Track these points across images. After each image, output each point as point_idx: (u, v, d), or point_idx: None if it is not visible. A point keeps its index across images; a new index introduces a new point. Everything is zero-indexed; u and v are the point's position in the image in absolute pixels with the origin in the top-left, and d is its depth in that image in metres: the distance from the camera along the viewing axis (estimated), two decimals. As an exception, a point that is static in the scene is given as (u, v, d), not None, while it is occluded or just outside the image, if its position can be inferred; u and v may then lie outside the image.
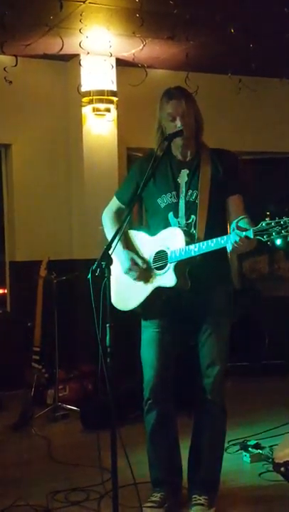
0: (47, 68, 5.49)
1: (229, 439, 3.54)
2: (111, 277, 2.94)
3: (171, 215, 2.91)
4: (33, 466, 3.69)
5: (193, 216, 2.87)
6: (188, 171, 2.93)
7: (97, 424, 4.08)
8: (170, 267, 2.82)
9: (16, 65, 5.01)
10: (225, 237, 2.66)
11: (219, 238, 2.67)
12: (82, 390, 4.86)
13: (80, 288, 5.18)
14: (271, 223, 2.46)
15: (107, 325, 2.47)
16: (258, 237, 2.52)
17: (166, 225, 2.92)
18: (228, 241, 2.64)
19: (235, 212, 2.87)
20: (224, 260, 2.95)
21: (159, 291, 2.88)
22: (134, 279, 2.95)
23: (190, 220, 2.87)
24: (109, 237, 2.99)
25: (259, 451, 3.63)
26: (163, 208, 2.93)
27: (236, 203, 2.91)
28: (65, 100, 5.56)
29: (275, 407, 4.59)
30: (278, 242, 2.43)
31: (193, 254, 2.74)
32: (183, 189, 2.91)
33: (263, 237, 2.50)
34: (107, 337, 2.46)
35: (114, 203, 3.13)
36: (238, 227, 2.59)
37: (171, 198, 2.91)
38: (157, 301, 2.91)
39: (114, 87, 5.33)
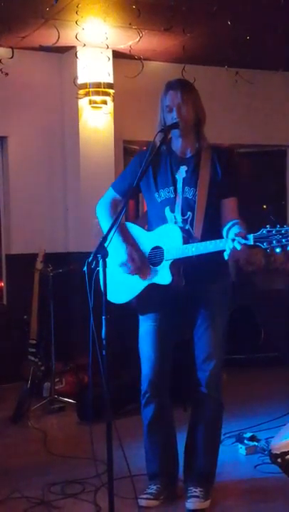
0: (43, 60, 5.47)
1: (225, 432, 3.54)
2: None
3: (167, 209, 2.91)
4: (29, 459, 3.69)
5: (189, 213, 2.87)
6: (186, 168, 2.92)
7: (94, 417, 4.12)
8: (166, 264, 2.82)
9: (12, 57, 4.99)
10: (224, 240, 2.64)
11: (218, 241, 2.65)
12: (78, 383, 4.87)
13: (76, 281, 5.18)
14: (272, 231, 2.44)
15: (103, 317, 2.48)
16: (257, 243, 2.50)
17: (163, 219, 2.92)
18: (226, 245, 2.61)
19: (229, 216, 2.85)
20: (221, 254, 2.93)
21: (153, 286, 2.88)
22: (128, 273, 2.95)
23: (186, 216, 2.87)
24: (104, 228, 2.99)
25: (255, 443, 3.64)
26: (160, 202, 2.94)
27: (230, 206, 2.89)
28: (61, 92, 5.54)
29: (270, 400, 4.61)
30: (278, 250, 2.41)
31: (190, 254, 2.73)
32: (180, 185, 2.90)
33: (262, 244, 2.48)
34: (103, 329, 2.47)
35: (110, 194, 3.12)
36: (240, 234, 2.57)
37: (168, 193, 2.92)
38: (152, 296, 2.92)
39: (110, 80, 5.31)
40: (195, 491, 2.97)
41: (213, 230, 2.80)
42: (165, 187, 2.92)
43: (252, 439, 3.68)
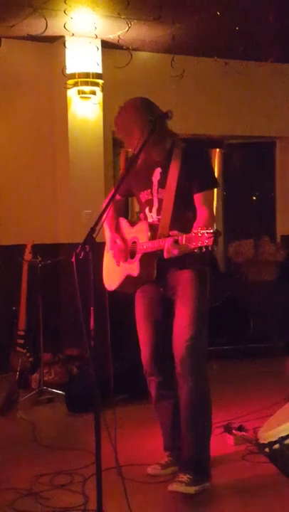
0: (31, 50, 5.43)
1: (213, 422, 3.55)
2: (106, 257, 3.26)
3: (147, 209, 3.13)
4: (18, 450, 3.69)
5: (162, 212, 3.05)
6: (160, 170, 3.08)
7: (82, 408, 4.12)
8: (137, 257, 3.02)
9: (-1, 47, 4.95)
10: (165, 239, 2.82)
11: (161, 240, 2.86)
12: (67, 374, 4.87)
13: (65, 272, 5.17)
14: (198, 233, 2.59)
15: (91, 308, 2.48)
16: (187, 243, 2.64)
17: (145, 217, 3.16)
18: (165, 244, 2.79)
19: (198, 209, 3.00)
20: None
21: (129, 277, 3.08)
22: (115, 260, 3.16)
23: (160, 216, 3.05)
24: (104, 226, 3.20)
25: (243, 433, 3.66)
26: (143, 202, 3.16)
27: (200, 200, 3.01)
28: (49, 82, 5.50)
29: (259, 390, 4.63)
30: (203, 249, 2.61)
31: (149, 250, 2.95)
32: (155, 187, 3.09)
33: (191, 244, 2.62)
34: (92, 320, 2.48)
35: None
36: (176, 233, 2.73)
37: (147, 195, 3.13)
38: (130, 286, 3.13)
39: (99, 70, 5.28)
40: (182, 477, 3.00)
41: (184, 228, 2.84)
42: (145, 189, 3.13)
43: (240, 429, 3.70)
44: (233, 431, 3.68)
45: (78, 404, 4.24)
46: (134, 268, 3.03)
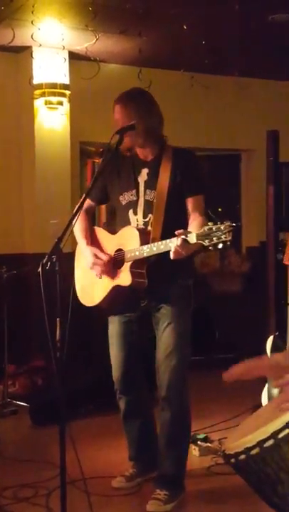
0: (-2, 59, 5.41)
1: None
2: (79, 273, 3.14)
3: (131, 212, 2.99)
4: (-19, 463, 3.63)
5: (150, 215, 2.93)
6: (148, 171, 2.99)
7: (47, 420, 4.08)
8: (126, 266, 2.88)
9: None
10: (174, 239, 2.63)
11: (168, 241, 2.67)
12: (32, 386, 4.82)
13: (31, 282, 5.13)
14: (212, 228, 2.46)
15: (57, 319, 2.46)
16: (199, 240, 2.51)
17: (126, 221, 3.00)
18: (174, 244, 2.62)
19: (191, 214, 2.91)
20: None
21: (117, 288, 2.94)
22: (97, 276, 3.02)
23: (147, 218, 2.95)
24: (77, 235, 3.10)
25: (208, 444, 3.67)
26: (124, 205, 3.02)
27: (192, 204, 2.94)
28: (16, 92, 5.47)
29: (224, 401, 4.65)
30: (220, 246, 2.41)
31: (145, 255, 2.80)
32: (142, 188, 2.98)
33: (204, 242, 2.49)
34: (57, 331, 2.46)
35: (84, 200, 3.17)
36: (183, 232, 2.58)
37: (131, 195, 2.99)
38: (117, 297, 2.99)
39: (66, 80, 5.29)
40: (159, 494, 2.98)
41: (175, 230, 2.80)
42: (128, 190, 3.00)
43: (205, 440, 3.71)
44: (198, 442, 3.69)
45: (43, 416, 4.20)
46: (124, 278, 2.88)
